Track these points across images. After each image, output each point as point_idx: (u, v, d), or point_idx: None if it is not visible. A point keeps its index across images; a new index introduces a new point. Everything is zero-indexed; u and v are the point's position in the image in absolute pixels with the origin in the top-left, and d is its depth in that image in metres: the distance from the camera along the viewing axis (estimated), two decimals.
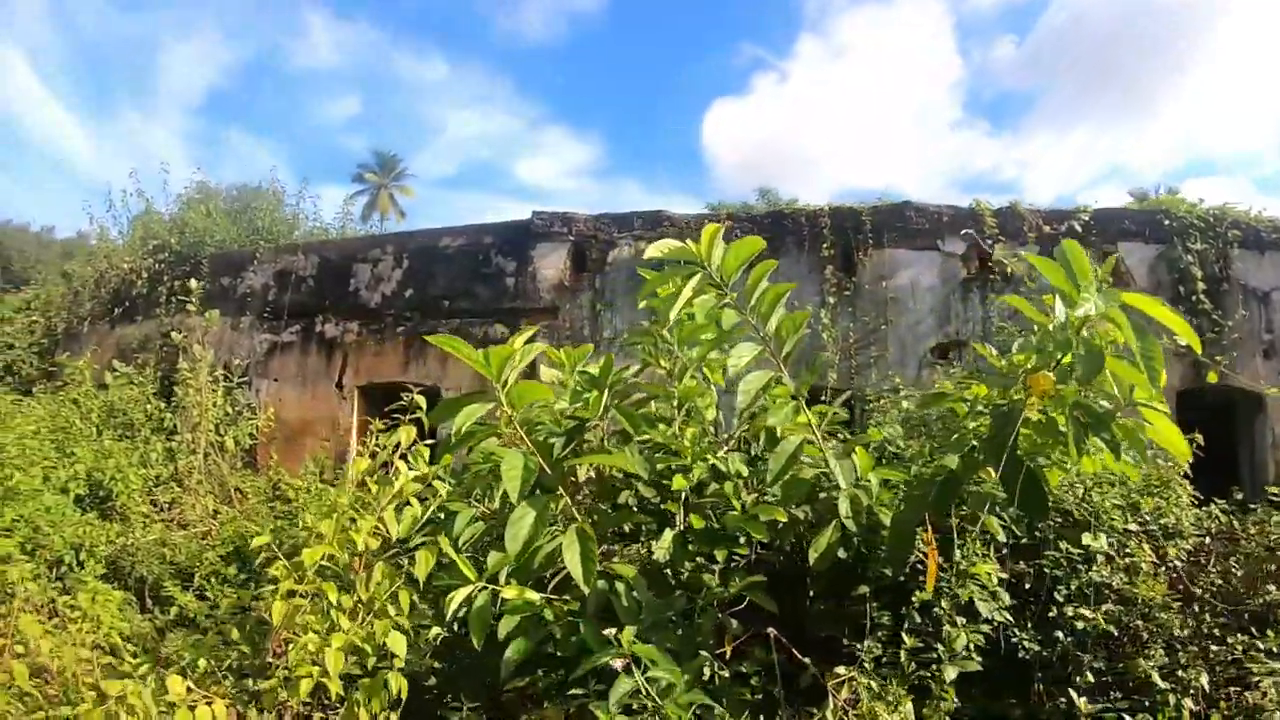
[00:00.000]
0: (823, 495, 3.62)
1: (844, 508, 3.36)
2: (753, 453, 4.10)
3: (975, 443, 3.35)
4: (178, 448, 9.88)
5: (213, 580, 7.57)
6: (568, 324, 10.79)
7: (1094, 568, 3.53)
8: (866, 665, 3.04)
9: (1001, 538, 3.48)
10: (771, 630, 3.17)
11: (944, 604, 3.14)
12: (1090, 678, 3.34)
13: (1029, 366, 3.20)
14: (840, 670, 3.01)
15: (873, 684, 2.94)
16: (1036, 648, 3.38)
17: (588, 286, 10.85)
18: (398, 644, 3.15)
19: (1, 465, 6.93)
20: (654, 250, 3.93)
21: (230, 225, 13.31)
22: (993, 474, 3.27)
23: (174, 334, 10.55)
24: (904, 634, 3.06)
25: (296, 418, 11.49)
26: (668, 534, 3.53)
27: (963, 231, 10.53)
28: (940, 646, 3.03)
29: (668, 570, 3.49)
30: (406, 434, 4.03)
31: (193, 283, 10.79)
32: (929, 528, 3.09)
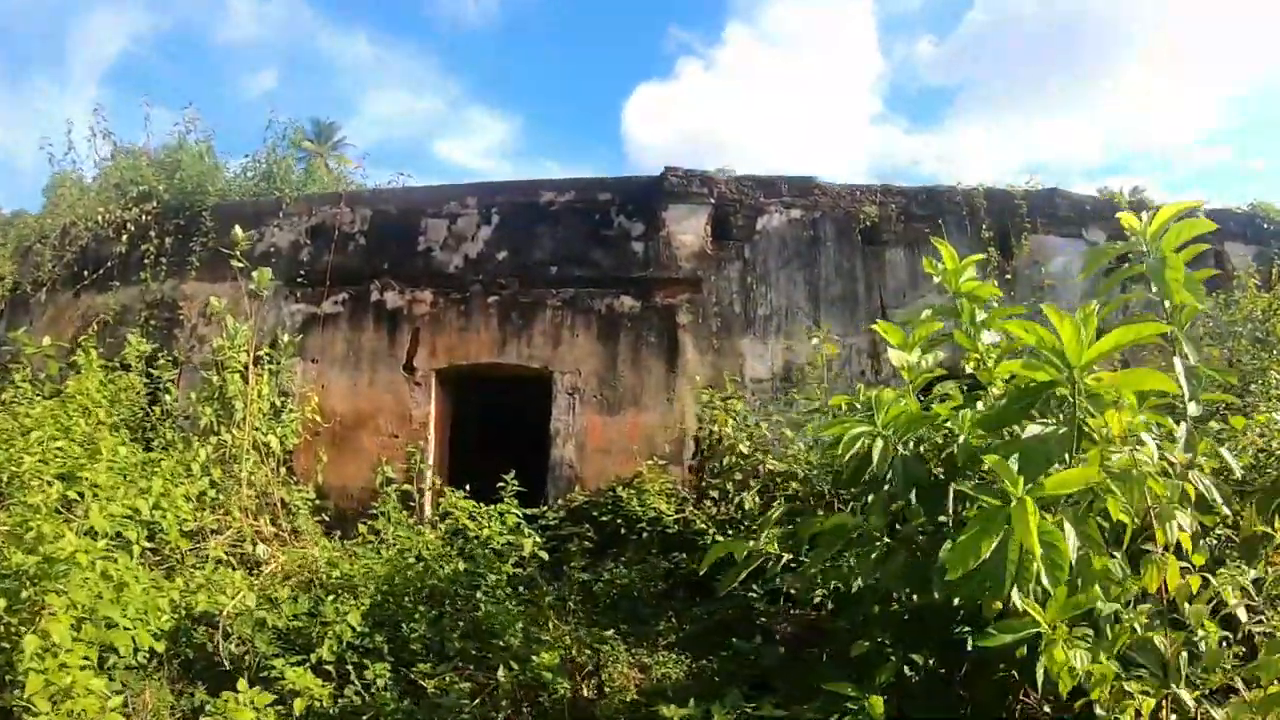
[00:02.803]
0: None
1: None
2: None
3: None
4: (211, 452, 7.36)
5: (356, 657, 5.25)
6: (714, 299, 8.82)
7: None
8: None
9: None
10: None
11: None
12: None
13: None
14: None
15: None
16: None
17: (735, 257, 8.94)
18: None
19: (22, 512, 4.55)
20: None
21: (238, 173, 10.61)
22: None
23: (214, 299, 7.89)
24: None
25: (348, 409, 8.94)
26: None
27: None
28: None
29: None
30: None
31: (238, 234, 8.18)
32: None
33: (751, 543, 4.43)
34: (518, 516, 6.66)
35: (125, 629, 4.21)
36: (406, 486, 8.03)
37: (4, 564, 4.08)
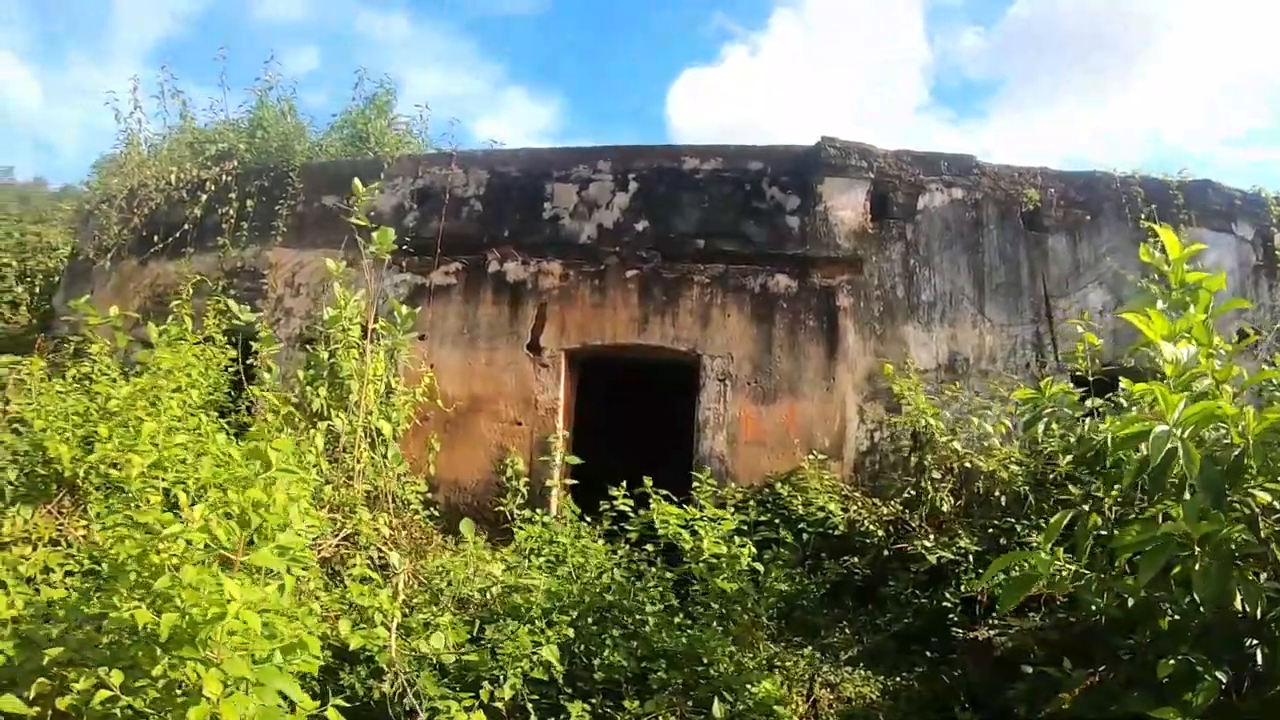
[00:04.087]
0: None
1: None
2: None
3: None
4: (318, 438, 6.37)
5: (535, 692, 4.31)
6: (876, 280, 7.99)
7: None
8: None
9: None
10: None
11: None
12: None
13: None
14: None
15: None
16: None
17: (897, 236, 8.13)
18: None
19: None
20: None
21: (329, 133, 9.63)
22: None
23: (330, 262, 6.88)
24: None
25: (462, 391, 7.96)
26: None
27: None
28: None
29: None
30: None
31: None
32: None
33: (1033, 555, 3.60)
34: (733, 525, 5.75)
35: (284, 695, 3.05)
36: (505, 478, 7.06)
37: (115, 615, 2.94)
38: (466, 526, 6.51)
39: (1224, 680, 3.00)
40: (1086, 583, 3.56)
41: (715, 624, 5.41)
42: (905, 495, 7.04)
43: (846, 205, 8.11)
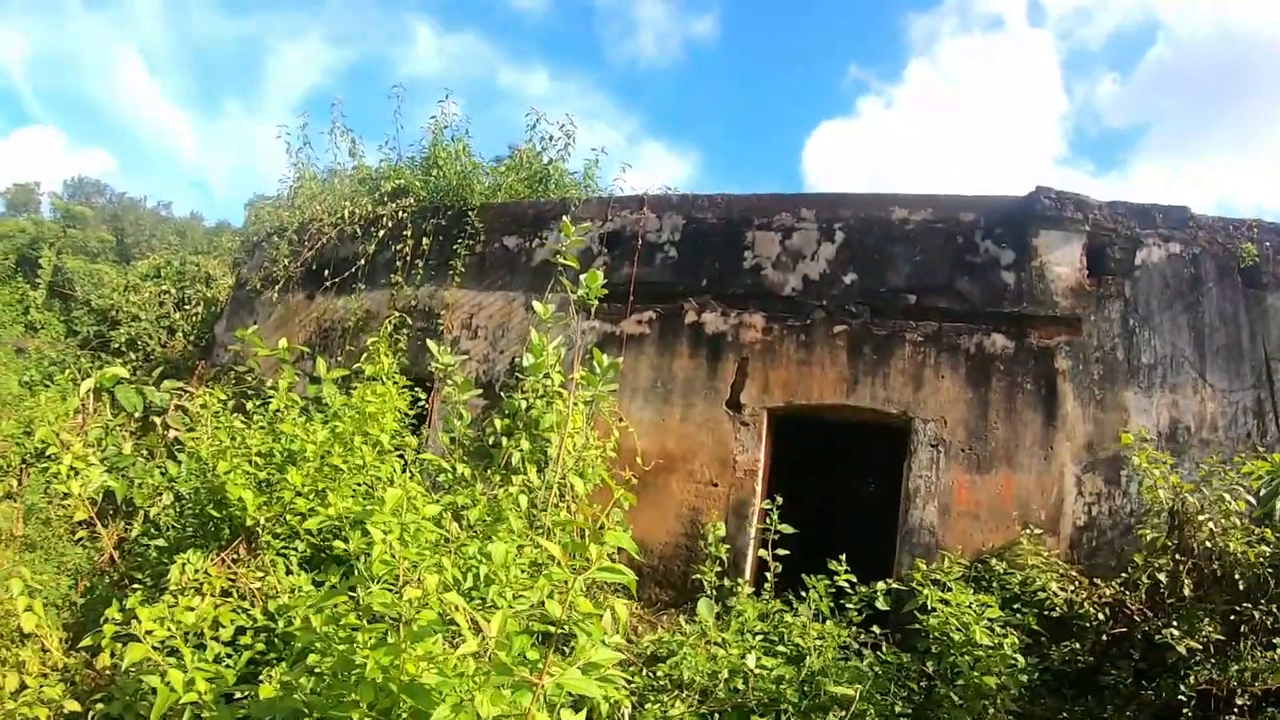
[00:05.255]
0: None
1: None
2: None
3: None
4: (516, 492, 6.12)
5: None
6: (1095, 341, 7.60)
7: None
8: None
9: None
10: None
11: None
12: None
13: None
14: None
15: None
16: None
17: (1115, 294, 7.73)
18: None
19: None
20: None
21: (504, 171, 9.41)
22: None
23: (537, 305, 6.61)
24: None
25: (655, 448, 7.72)
26: None
27: None
28: None
29: None
30: None
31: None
32: None
33: None
34: (998, 613, 5.45)
35: None
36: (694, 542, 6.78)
37: None
38: (705, 606, 6.27)
39: None
40: None
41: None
42: (1130, 576, 6.68)
43: (1063, 260, 7.73)
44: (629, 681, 5.31)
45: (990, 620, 5.56)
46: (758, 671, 5.20)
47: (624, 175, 9.55)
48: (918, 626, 5.74)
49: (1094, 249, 7.85)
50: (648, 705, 4.91)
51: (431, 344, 7.29)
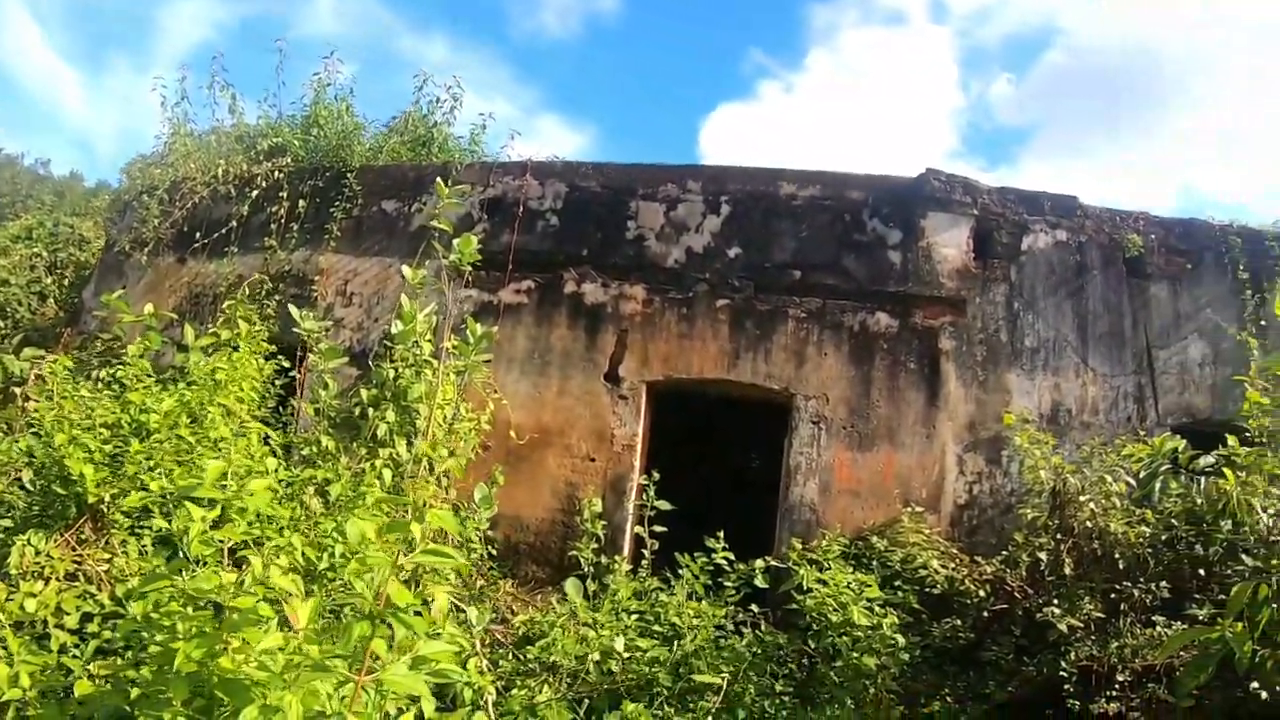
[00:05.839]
0: None
1: None
2: None
3: None
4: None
5: None
6: (979, 323, 7.51)
7: None
8: None
9: None
10: None
11: None
12: None
13: None
14: None
15: None
16: None
17: (1001, 277, 7.67)
18: None
19: None
20: None
21: (387, 134, 9.02)
22: None
23: (407, 269, 6.26)
24: None
25: (532, 421, 7.36)
26: None
27: None
28: None
29: None
30: None
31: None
32: None
33: (1215, 631, 3.17)
34: (877, 592, 5.22)
35: None
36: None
37: None
38: (573, 586, 5.90)
39: None
40: (1260, 660, 3.15)
41: (849, 701, 4.89)
42: (1010, 554, 6.55)
43: (950, 242, 7.65)
44: (495, 665, 4.94)
45: (869, 600, 5.31)
46: (627, 655, 4.89)
47: (513, 144, 9.09)
48: (796, 606, 5.49)
49: (981, 233, 7.78)
50: (514, 690, 4.53)
51: (294, 309, 6.85)
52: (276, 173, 8.41)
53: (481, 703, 3.98)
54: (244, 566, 2.77)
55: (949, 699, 5.82)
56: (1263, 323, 8.14)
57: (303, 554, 3.98)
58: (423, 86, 9.19)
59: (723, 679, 4.69)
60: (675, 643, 5.18)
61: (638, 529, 6.91)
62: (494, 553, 6.53)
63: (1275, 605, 3.53)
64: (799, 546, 6.36)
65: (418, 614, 2.47)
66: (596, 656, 4.88)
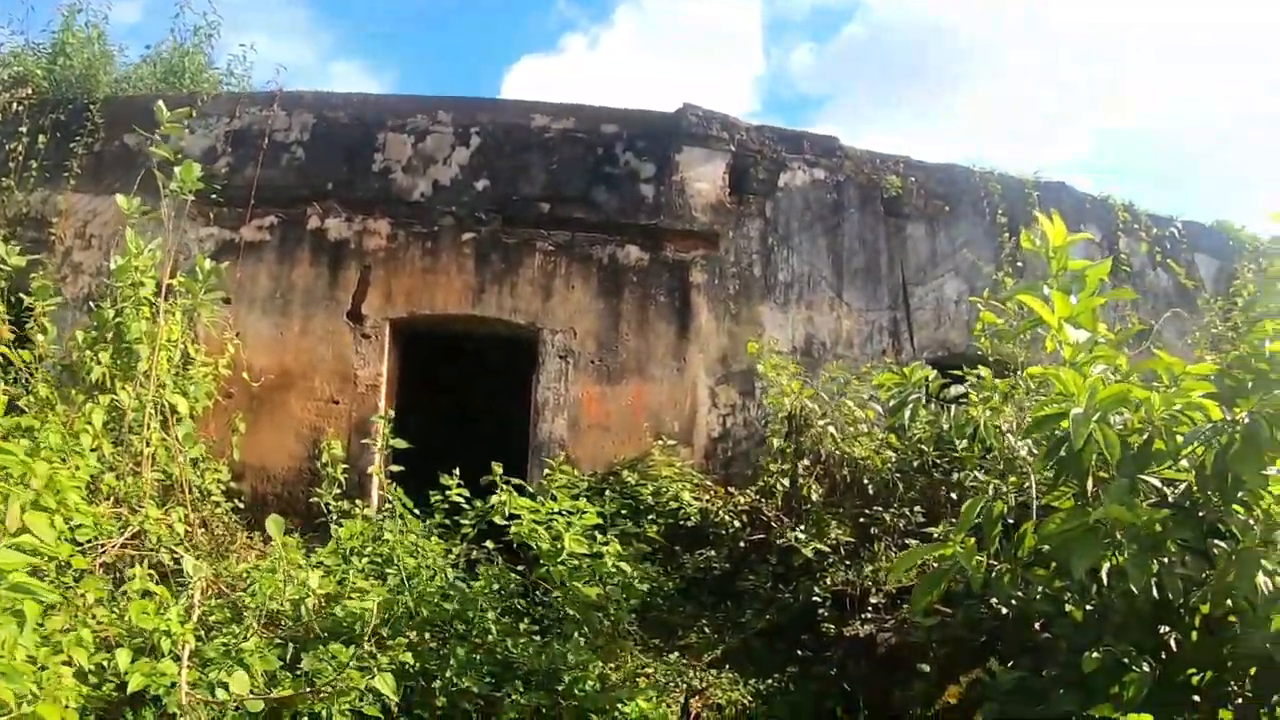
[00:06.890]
0: None
1: None
2: None
3: None
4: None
5: None
6: (732, 257, 7.53)
7: None
8: None
9: None
10: None
11: None
12: None
13: None
14: None
15: None
16: None
17: (756, 213, 7.71)
18: None
19: None
20: None
21: (140, 65, 8.50)
22: None
23: (121, 199, 5.86)
24: None
25: (272, 364, 7.05)
26: None
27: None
28: None
29: None
30: None
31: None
32: None
33: (945, 547, 3.22)
34: (595, 519, 5.09)
35: None
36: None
37: None
38: (274, 524, 5.60)
39: (1152, 671, 2.86)
40: (997, 575, 3.20)
41: (576, 634, 4.76)
42: (765, 484, 6.58)
43: (705, 177, 7.63)
44: (209, 615, 4.62)
45: (588, 527, 5.16)
46: (329, 591, 4.66)
47: (279, 79, 8.61)
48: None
49: (738, 169, 7.79)
50: (216, 638, 4.23)
51: (0, 245, 6.34)
52: (16, 105, 7.82)
53: (178, 650, 3.75)
54: None
55: (707, 629, 5.81)
56: (1019, 264, 8.42)
57: None
58: (179, 15, 8.71)
59: (406, 598, 4.53)
60: (407, 582, 4.97)
61: (383, 473, 6.70)
62: (240, 506, 6.18)
63: (1010, 521, 3.57)
64: (561, 480, 6.24)
65: None
66: (298, 597, 4.63)
